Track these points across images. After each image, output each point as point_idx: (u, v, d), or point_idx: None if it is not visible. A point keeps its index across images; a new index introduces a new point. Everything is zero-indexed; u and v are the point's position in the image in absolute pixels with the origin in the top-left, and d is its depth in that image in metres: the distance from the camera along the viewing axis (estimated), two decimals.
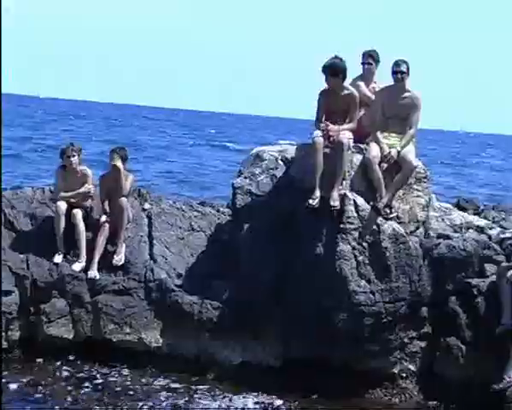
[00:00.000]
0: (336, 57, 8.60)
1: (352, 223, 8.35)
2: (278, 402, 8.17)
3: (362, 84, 9.02)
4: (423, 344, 8.68)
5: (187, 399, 8.18)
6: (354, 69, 9.29)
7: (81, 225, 8.78)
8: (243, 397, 8.19)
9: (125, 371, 8.65)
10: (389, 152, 8.55)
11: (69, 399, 7.79)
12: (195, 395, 8.29)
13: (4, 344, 8.55)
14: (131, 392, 8.15)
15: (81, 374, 8.37)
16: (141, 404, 7.86)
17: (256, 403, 8.24)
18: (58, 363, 8.60)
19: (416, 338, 8.73)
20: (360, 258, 8.40)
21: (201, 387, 8.27)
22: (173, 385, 8.35)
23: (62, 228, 8.83)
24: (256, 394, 8.24)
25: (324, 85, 8.72)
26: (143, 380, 8.34)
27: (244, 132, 73.58)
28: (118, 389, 8.26)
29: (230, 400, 8.13)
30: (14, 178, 20.80)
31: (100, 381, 8.27)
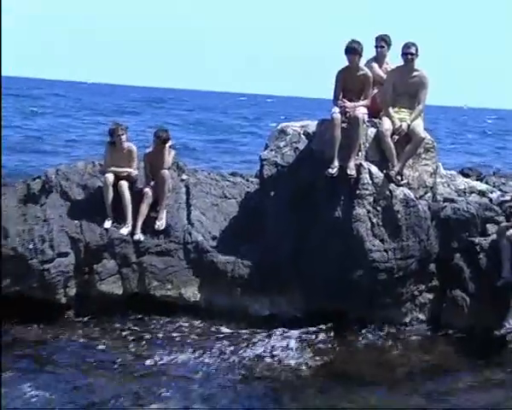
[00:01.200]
0: (354, 40, 8.95)
1: (366, 189, 8.79)
2: (302, 341, 8.55)
3: (375, 65, 9.37)
4: (431, 296, 9.21)
5: (228, 346, 8.51)
6: (368, 51, 9.39)
7: (127, 195, 9.23)
8: (273, 346, 8.54)
9: (167, 322, 9.03)
10: (400, 125, 8.97)
11: (121, 350, 8.26)
12: (225, 344, 8.60)
13: (63, 300, 8.87)
14: (175, 342, 8.55)
15: (129, 326, 8.82)
16: (188, 352, 8.24)
17: (282, 350, 8.45)
18: (109, 317, 9.05)
19: (424, 291, 9.26)
20: (374, 220, 8.84)
21: (233, 336, 8.69)
22: (205, 334, 8.77)
23: (110, 197, 9.30)
24: (280, 339, 8.66)
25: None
26: (185, 331, 8.79)
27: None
28: (162, 339, 8.61)
29: (261, 351, 8.42)
30: None
31: (146, 333, 8.70)
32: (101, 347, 8.34)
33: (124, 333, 8.82)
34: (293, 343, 8.67)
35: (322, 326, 8.89)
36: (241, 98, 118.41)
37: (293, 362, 8.18)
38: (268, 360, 8.24)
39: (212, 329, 8.92)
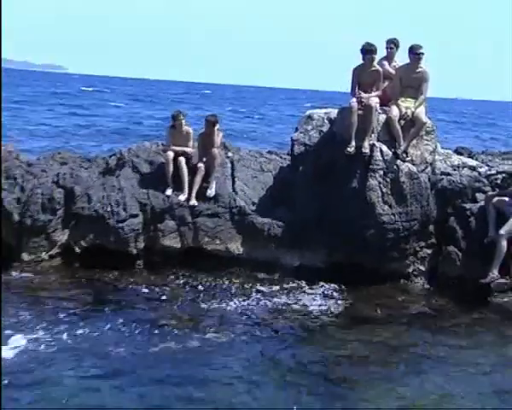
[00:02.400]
0: (369, 43, 9.91)
1: (378, 165, 9.76)
2: (324, 290, 9.56)
3: (385, 62, 10.30)
4: (430, 251, 10.19)
5: (264, 292, 9.44)
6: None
7: (184, 168, 10.25)
8: (301, 293, 9.51)
9: (215, 272, 9.96)
10: (406, 112, 9.87)
11: (178, 293, 9.26)
12: (263, 291, 9.53)
13: (134, 251, 9.91)
14: (222, 288, 9.54)
15: (185, 275, 9.89)
16: (232, 297, 9.17)
17: (309, 293, 9.49)
18: (169, 266, 10.05)
19: (424, 247, 10.22)
20: (384, 190, 9.76)
21: (269, 284, 9.68)
22: (248, 282, 9.79)
23: (171, 170, 10.26)
24: (308, 287, 9.65)
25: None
26: (230, 279, 9.77)
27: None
28: (211, 286, 9.62)
29: (291, 297, 9.36)
30: None
31: (198, 281, 9.69)
32: (162, 290, 9.33)
33: (180, 281, 9.76)
34: (316, 291, 9.61)
35: (342, 277, 9.71)
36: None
37: (316, 307, 9.02)
38: (295, 306, 9.04)
39: (252, 277, 9.91)
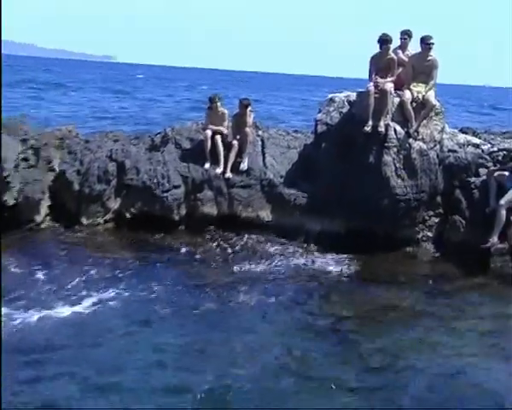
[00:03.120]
0: (385, 34, 10.26)
1: (392, 142, 10.21)
2: (343, 253, 10.03)
3: (400, 51, 10.69)
4: (437, 220, 10.67)
5: (290, 254, 10.01)
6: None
7: (220, 145, 10.76)
8: (322, 256, 10.05)
9: (247, 236, 10.46)
10: (417, 96, 10.25)
11: (214, 254, 9.90)
12: (289, 252, 10.09)
13: (176, 218, 10.50)
14: (253, 250, 10.09)
15: (221, 238, 10.45)
16: (262, 258, 9.74)
17: (330, 255, 10.01)
18: (207, 231, 10.57)
19: (432, 216, 10.72)
20: (397, 165, 10.24)
21: (294, 248, 10.25)
22: (276, 245, 10.29)
23: (209, 147, 10.78)
24: (329, 250, 10.19)
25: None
26: (260, 243, 10.32)
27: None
28: (244, 248, 10.21)
29: (313, 259, 9.95)
30: None
31: (232, 244, 10.30)
32: (201, 252, 9.96)
33: (217, 244, 10.30)
34: (334, 255, 10.15)
35: (358, 243, 10.10)
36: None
37: (334, 269, 9.67)
38: (316, 267, 9.68)
39: (279, 241, 10.42)
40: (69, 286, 8.11)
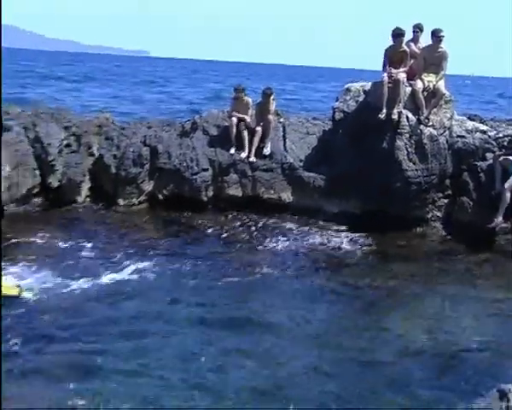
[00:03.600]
0: (399, 28, 10.53)
1: (404, 128, 10.53)
2: (359, 232, 10.50)
3: (412, 44, 10.99)
4: (446, 201, 11.02)
5: (304, 234, 10.43)
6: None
7: (245, 131, 11.19)
8: (338, 235, 10.52)
9: (269, 216, 10.90)
10: (428, 85, 10.53)
11: (242, 235, 10.36)
12: (308, 231, 10.56)
13: (204, 199, 10.91)
14: (275, 229, 10.56)
15: (245, 217, 10.94)
16: (283, 236, 10.26)
17: (346, 234, 10.49)
18: (232, 211, 11.05)
19: (442, 197, 11.07)
20: (409, 149, 10.56)
21: (313, 227, 10.73)
22: (296, 225, 10.77)
23: (234, 133, 11.21)
24: (345, 229, 10.69)
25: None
26: (281, 222, 10.78)
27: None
28: (266, 227, 10.66)
29: (329, 238, 10.41)
30: None
31: (255, 223, 10.78)
32: (226, 230, 10.52)
33: (241, 222, 10.78)
34: (350, 233, 10.62)
35: (372, 222, 10.56)
36: None
37: (350, 246, 10.17)
38: (332, 245, 10.17)
39: (299, 221, 10.92)
40: (109, 259, 8.81)
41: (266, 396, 5.67)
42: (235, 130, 11.34)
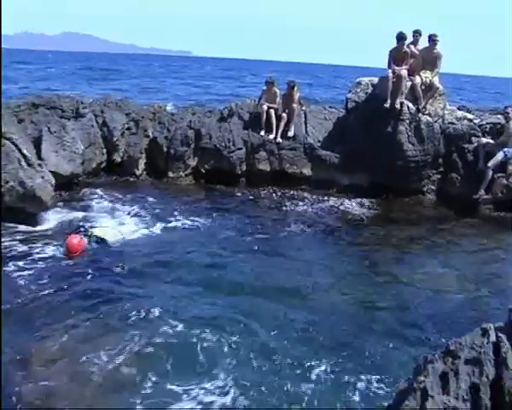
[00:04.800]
0: (402, 32, 11.38)
1: (405, 116, 11.53)
2: (366, 200, 11.55)
3: (412, 46, 11.83)
4: (439, 176, 11.96)
5: (324, 199, 11.53)
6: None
7: (273, 117, 12.15)
8: (349, 201, 11.59)
9: (292, 188, 11.93)
10: (425, 80, 11.48)
11: (269, 201, 11.37)
12: (325, 200, 11.59)
13: (239, 172, 11.91)
14: (297, 198, 11.54)
15: (273, 188, 12.00)
16: (304, 204, 11.17)
17: (356, 202, 11.49)
18: (262, 183, 12.01)
19: (435, 173, 12.01)
20: (409, 133, 11.56)
21: (328, 197, 11.70)
22: (313, 194, 11.78)
23: (264, 118, 12.15)
24: (355, 198, 11.67)
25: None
26: (303, 192, 11.84)
27: None
28: (290, 196, 11.71)
29: (342, 202, 11.52)
30: None
31: (282, 192, 11.82)
32: (257, 198, 11.53)
33: (270, 192, 11.88)
34: (359, 201, 11.59)
35: (378, 193, 11.61)
36: None
37: (359, 211, 11.11)
38: (344, 209, 11.11)
39: (317, 191, 11.89)
40: (162, 215, 9.93)
41: (290, 331, 6.23)
42: (264, 116, 12.24)
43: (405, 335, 6.32)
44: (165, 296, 6.86)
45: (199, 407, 4.86)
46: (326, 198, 11.78)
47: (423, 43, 11.98)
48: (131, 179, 12.24)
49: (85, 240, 8.21)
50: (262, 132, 12.36)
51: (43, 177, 9.36)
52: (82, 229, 8.43)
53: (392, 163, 11.61)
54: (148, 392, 4.99)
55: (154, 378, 5.16)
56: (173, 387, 5.07)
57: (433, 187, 12.02)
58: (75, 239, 8.06)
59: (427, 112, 11.67)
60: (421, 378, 2.89)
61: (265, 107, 12.40)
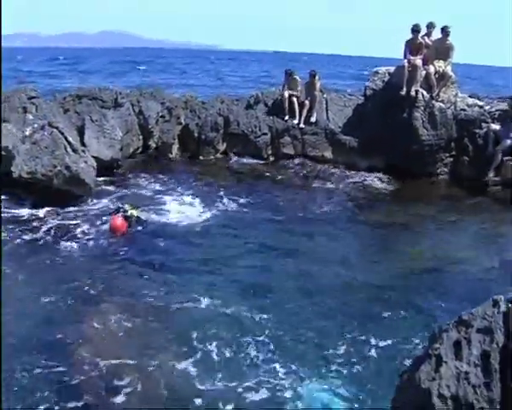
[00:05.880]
0: (416, 25, 11.51)
1: (420, 103, 11.69)
2: (385, 176, 11.85)
3: (426, 37, 11.92)
4: (451, 159, 12.11)
5: (346, 176, 11.83)
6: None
7: (296, 104, 12.48)
8: (367, 178, 11.91)
9: (313, 167, 12.13)
10: (439, 69, 11.58)
11: (294, 181, 11.57)
12: (349, 176, 11.94)
13: (265, 156, 12.25)
14: (320, 176, 11.75)
15: (297, 168, 12.21)
16: (326, 181, 11.46)
17: (376, 177, 11.81)
18: (287, 164, 12.44)
19: (448, 157, 12.14)
20: (424, 119, 11.73)
21: (347, 177, 11.99)
22: (336, 173, 12.00)
23: (286, 104, 12.42)
24: (375, 173, 12.01)
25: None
26: (326, 172, 11.99)
27: None
28: (313, 175, 11.85)
29: (364, 178, 11.79)
30: None
31: (305, 170, 12.11)
32: (283, 175, 11.85)
33: (294, 171, 12.14)
34: (380, 176, 11.99)
35: (394, 174, 11.90)
36: None
37: (379, 185, 11.54)
38: (367, 185, 11.54)
39: (338, 171, 12.21)
40: (194, 195, 10.26)
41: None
42: (287, 103, 12.49)
43: (420, 305, 6.59)
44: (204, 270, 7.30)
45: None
46: (345, 174, 12.11)
47: (436, 34, 11.99)
48: (166, 163, 12.51)
49: (127, 220, 8.56)
50: (286, 118, 12.60)
51: (86, 162, 9.80)
52: (122, 210, 8.76)
53: (408, 147, 11.76)
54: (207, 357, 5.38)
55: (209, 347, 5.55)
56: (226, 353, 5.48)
57: (445, 169, 12.13)
58: (118, 219, 8.46)
59: (440, 99, 11.77)
60: (436, 346, 3.06)
61: (286, 94, 12.66)
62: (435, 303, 6.68)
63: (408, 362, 4.69)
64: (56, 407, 4.64)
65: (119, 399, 4.75)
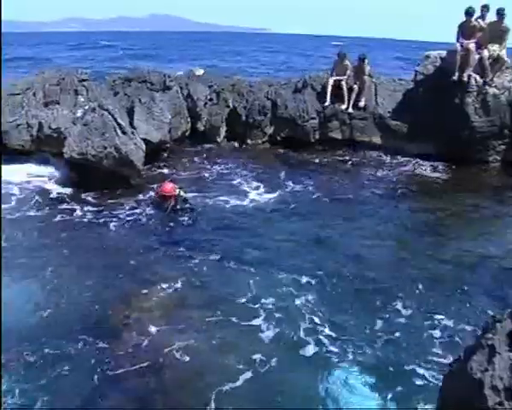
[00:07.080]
0: (470, 7, 11.27)
1: (473, 88, 11.50)
2: (440, 164, 11.62)
3: (480, 20, 11.66)
4: (504, 147, 11.80)
5: (391, 164, 11.62)
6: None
7: (344, 88, 12.32)
8: (418, 166, 11.74)
9: (363, 154, 12.16)
10: (493, 53, 11.33)
11: (342, 166, 11.57)
12: (400, 163, 11.68)
13: (312, 140, 12.16)
14: (366, 162, 11.72)
15: (344, 154, 12.25)
16: (375, 168, 11.34)
17: (429, 166, 11.57)
18: (334, 149, 12.33)
19: (501, 144, 11.86)
20: (476, 105, 11.49)
21: (395, 163, 11.76)
22: (386, 160, 11.90)
23: (329, 90, 12.31)
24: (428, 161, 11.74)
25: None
26: (371, 158, 11.97)
27: None
28: (360, 161, 11.92)
29: (413, 168, 11.46)
30: None
31: (349, 156, 12.09)
32: (329, 161, 11.84)
33: (341, 157, 12.08)
34: (429, 163, 11.80)
35: (445, 161, 11.75)
36: None
37: (430, 173, 11.36)
38: (417, 171, 11.43)
39: (385, 157, 12.18)
40: (241, 178, 10.45)
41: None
42: (330, 88, 12.40)
43: (473, 295, 6.55)
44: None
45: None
46: (392, 164, 11.88)
47: (491, 17, 11.72)
48: (214, 146, 12.65)
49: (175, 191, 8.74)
50: (326, 103, 12.49)
51: (135, 143, 9.93)
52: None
53: (459, 134, 11.60)
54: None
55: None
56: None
57: (497, 157, 11.91)
58: (170, 184, 8.78)
59: (494, 84, 11.53)
60: (489, 335, 2.96)
61: (331, 81, 12.52)
62: (488, 292, 6.62)
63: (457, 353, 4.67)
64: (103, 385, 4.75)
65: (167, 381, 4.82)
